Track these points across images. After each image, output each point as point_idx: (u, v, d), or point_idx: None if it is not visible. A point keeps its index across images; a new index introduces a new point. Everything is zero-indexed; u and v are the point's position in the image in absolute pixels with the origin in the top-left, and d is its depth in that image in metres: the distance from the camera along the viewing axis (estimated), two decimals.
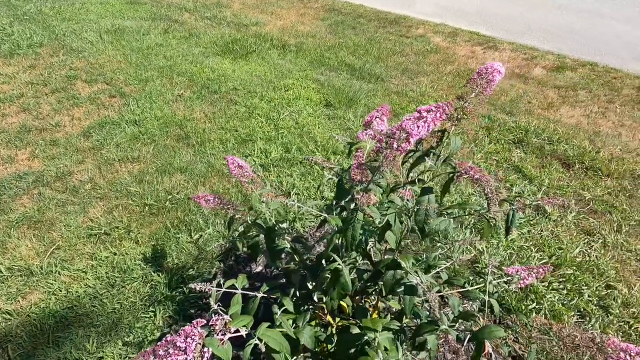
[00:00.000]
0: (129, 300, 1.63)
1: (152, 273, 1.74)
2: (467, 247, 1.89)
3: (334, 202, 1.02)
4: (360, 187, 0.85)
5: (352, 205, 0.94)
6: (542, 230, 2.07)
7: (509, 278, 1.03)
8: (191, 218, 2.04)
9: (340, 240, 0.91)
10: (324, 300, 1.01)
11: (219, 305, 0.99)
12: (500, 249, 1.93)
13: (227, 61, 4.18)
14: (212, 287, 1.04)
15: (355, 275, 1.17)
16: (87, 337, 1.49)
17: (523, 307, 1.64)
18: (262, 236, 1.19)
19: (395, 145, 0.77)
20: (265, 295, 1.14)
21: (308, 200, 2.23)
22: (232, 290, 1.06)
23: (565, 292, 1.72)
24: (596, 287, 1.74)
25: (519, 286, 1.01)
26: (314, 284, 1.16)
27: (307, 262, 1.19)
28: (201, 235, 1.95)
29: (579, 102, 3.58)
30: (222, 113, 3.17)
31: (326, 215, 0.92)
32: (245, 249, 1.23)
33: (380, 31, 5.45)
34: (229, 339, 0.89)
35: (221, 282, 1.07)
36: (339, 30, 5.43)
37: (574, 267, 1.83)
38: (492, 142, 2.90)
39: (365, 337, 0.89)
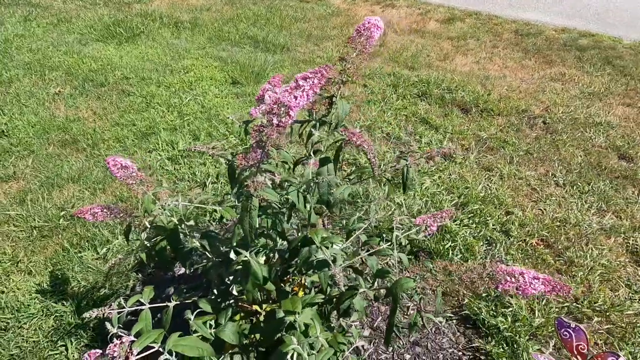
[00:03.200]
0: (30, 340, 1.41)
1: (54, 304, 1.51)
2: (387, 204, 1.97)
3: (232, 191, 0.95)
4: (248, 172, 0.78)
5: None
6: (450, 174, 2.25)
7: (418, 228, 1.08)
8: (93, 232, 1.81)
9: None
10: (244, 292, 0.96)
11: (119, 328, 0.88)
12: (416, 198, 2.05)
13: (110, 47, 3.68)
14: (112, 309, 0.92)
15: (277, 258, 1.14)
16: None
17: (441, 248, 1.79)
18: (164, 242, 1.08)
19: (275, 122, 0.72)
20: (180, 302, 1.06)
21: (227, 186, 2.11)
22: (152, 306, 0.95)
23: (474, 225, 1.91)
24: (498, 216, 1.96)
25: (427, 234, 1.06)
26: (231, 278, 1.10)
27: (220, 257, 1.12)
28: (109, 249, 1.74)
29: (469, 51, 3.87)
30: (114, 107, 2.80)
31: (218, 207, 0.85)
32: (148, 259, 1.11)
33: None
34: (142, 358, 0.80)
35: (121, 301, 0.95)
36: (236, 0, 5.08)
37: (479, 202, 2.03)
38: (399, 98, 3.02)
39: (289, 320, 0.87)
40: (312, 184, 0.92)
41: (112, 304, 0.94)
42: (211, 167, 2.26)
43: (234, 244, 0.92)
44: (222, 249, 1.17)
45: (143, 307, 0.96)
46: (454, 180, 2.20)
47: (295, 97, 0.72)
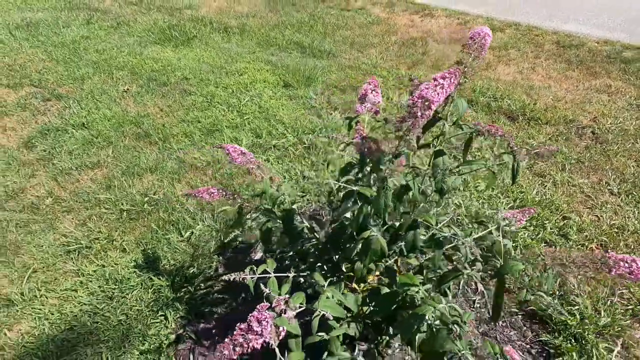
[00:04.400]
0: (134, 309, 1.56)
1: (151, 278, 1.67)
2: (447, 203, 2.07)
3: (352, 174, 1.08)
4: (388, 157, 0.91)
5: (373, 175, 1.00)
6: (503, 179, 2.33)
7: (508, 221, 1.18)
8: (177, 217, 1.97)
9: (370, 210, 0.97)
10: (354, 268, 1.08)
11: (251, 291, 1.01)
12: (472, 200, 2.15)
13: (168, 49, 3.92)
14: (247, 276, 1.06)
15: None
16: (98, 355, 1.42)
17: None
18: (270, 222, 1.21)
19: (419, 114, 0.84)
20: (297, 274, 1.19)
21: (288, 182, 2.25)
22: (276, 275, 1.08)
23: (532, 228, 1.98)
24: (555, 220, 2.03)
25: (517, 227, 1.16)
26: (336, 256, 1.22)
27: (325, 237, 1.25)
28: (192, 232, 1.90)
29: (511, 60, 3.94)
30: (179, 105, 3.00)
31: (357, 188, 0.98)
32: (265, 236, 1.25)
33: (321, 6, 5.42)
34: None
35: (254, 269, 1.08)
36: (279, 8, 5.30)
37: (535, 206, 2.10)
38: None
39: (406, 293, 0.98)
40: (423, 174, 1.04)
41: (246, 270, 1.08)
42: (274, 163, 2.41)
43: (359, 221, 1.04)
44: (326, 229, 1.30)
45: (269, 275, 1.09)
46: (508, 185, 2.28)
47: (437, 94, 0.84)
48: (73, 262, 1.75)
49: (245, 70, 3.56)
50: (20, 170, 2.28)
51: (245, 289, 1.40)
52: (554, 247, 1.89)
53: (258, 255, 1.90)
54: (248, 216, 1.32)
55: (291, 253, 1.33)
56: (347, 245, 1.10)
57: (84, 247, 1.82)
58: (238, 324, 0.75)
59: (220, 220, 1.98)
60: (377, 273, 1.32)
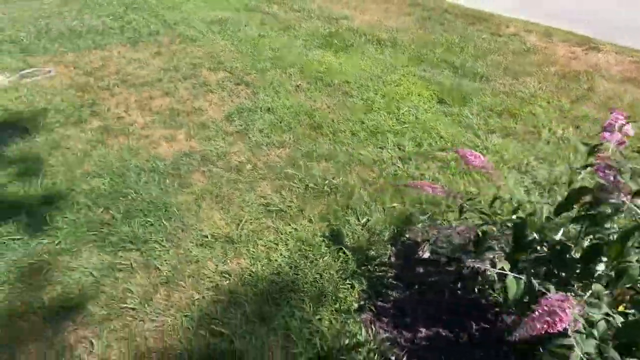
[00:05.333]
0: (326, 272, 1.82)
1: (337, 250, 1.92)
2: None
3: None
4: None
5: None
6: None
7: None
8: (354, 203, 2.21)
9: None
10: (593, 289, 1.12)
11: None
12: None
13: (329, 54, 4.34)
14: (488, 267, 1.18)
15: None
16: (301, 301, 1.69)
17: None
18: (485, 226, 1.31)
19: None
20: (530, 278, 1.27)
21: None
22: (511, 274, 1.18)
23: None
24: None
25: None
26: (560, 272, 1.27)
27: (550, 252, 1.30)
28: (368, 220, 2.11)
29: None
30: (342, 105, 3.32)
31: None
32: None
33: (470, 29, 5.40)
34: None
35: (495, 261, 1.20)
36: (428, 26, 5.44)
37: None
38: None
39: None
40: None
41: (486, 261, 1.20)
42: (438, 174, 2.52)
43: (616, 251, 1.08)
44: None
45: (506, 273, 1.19)
46: None
47: None
48: (272, 221, 2.10)
49: (400, 82, 3.76)
50: (225, 139, 2.79)
51: (414, 281, 1.52)
52: None
53: (426, 254, 2.02)
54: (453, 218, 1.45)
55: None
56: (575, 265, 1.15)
57: (280, 210, 2.16)
58: (541, 304, 0.87)
59: (388, 214, 2.15)
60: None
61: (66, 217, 2.02)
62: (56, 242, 1.89)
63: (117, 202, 2.14)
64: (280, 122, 2.99)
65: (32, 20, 4.71)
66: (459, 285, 1.77)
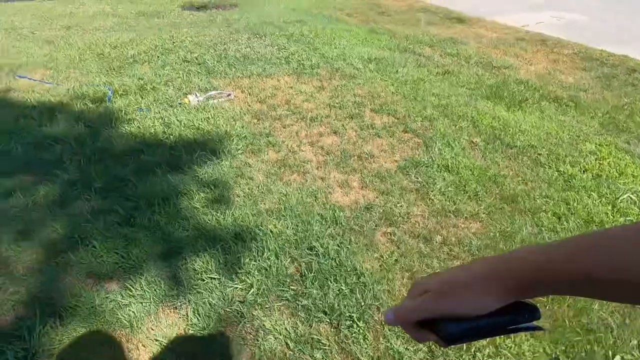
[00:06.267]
0: None
1: None
2: None
3: None
4: None
5: None
6: None
7: None
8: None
9: None
10: None
11: None
12: None
13: (501, 108, 3.86)
14: None
15: None
16: None
17: None
18: None
19: None
20: None
21: None
22: None
23: None
24: None
25: None
26: None
27: None
28: None
29: None
30: (534, 175, 2.80)
31: None
32: None
33: None
34: None
35: None
36: (614, 86, 4.60)
37: None
38: None
39: None
40: None
41: None
42: None
43: None
44: None
45: None
46: None
47: None
48: None
49: (601, 154, 3.09)
50: (403, 195, 2.51)
51: None
52: None
53: None
54: None
55: None
56: None
57: None
58: None
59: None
60: None
61: (256, 263, 1.91)
62: (249, 291, 1.77)
63: (304, 256, 1.98)
64: (464, 187, 2.61)
65: (212, 45, 5.25)
66: None
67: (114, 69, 4.30)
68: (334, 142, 3.11)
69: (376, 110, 3.67)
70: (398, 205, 2.41)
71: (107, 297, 1.71)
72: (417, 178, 2.68)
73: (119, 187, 2.40)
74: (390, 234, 2.18)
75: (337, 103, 3.73)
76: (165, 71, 4.27)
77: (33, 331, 1.54)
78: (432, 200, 2.47)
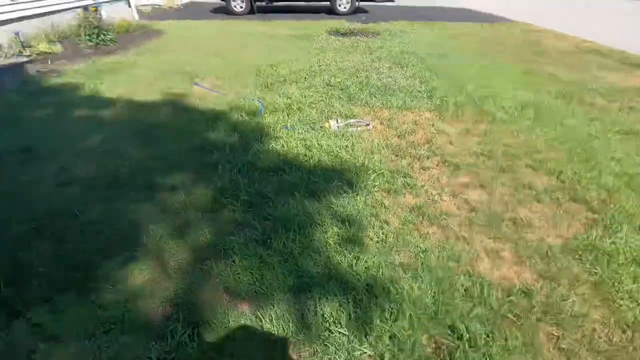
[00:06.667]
0: None
1: None
2: None
3: None
4: None
5: None
6: None
7: None
8: None
9: None
10: None
11: None
12: None
13: None
14: None
15: None
16: None
17: None
18: None
19: None
20: None
21: None
22: None
23: None
24: None
25: None
26: None
27: None
28: None
29: None
30: None
31: None
32: None
33: None
34: None
35: None
36: None
37: None
38: None
39: None
40: None
41: None
42: None
43: None
44: None
45: None
46: None
47: None
48: None
49: None
50: (578, 292, 1.97)
51: None
52: None
53: None
54: None
55: None
56: None
57: None
58: None
59: None
60: None
61: (388, 328, 1.69)
62: None
63: (445, 336, 1.67)
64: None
65: (354, 72, 5.35)
66: None
67: (267, 86, 4.69)
68: (481, 197, 2.71)
69: (534, 167, 3.12)
70: (568, 300, 1.90)
71: (239, 320, 1.70)
72: (595, 268, 2.10)
73: (260, 203, 2.48)
74: (558, 338, 1.71)
75: (485, 151, 3.31)
76: (310, 92, 4.47)
77: (175, 335, 1.60)
78: (619, 305, 1.89)
